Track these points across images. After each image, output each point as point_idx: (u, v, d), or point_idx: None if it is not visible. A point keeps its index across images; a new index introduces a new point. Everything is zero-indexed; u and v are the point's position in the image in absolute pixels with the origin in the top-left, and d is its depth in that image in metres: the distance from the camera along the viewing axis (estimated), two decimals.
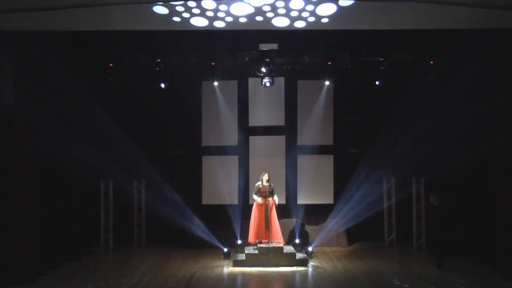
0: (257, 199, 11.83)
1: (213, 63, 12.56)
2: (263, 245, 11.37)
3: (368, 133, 13.71)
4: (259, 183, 11.89)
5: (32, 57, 9.84)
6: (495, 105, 10.11)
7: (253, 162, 13.91)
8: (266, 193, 11.80)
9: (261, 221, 11.77)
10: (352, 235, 13.88)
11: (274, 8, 9.08)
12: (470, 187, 11.62)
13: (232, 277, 10.37)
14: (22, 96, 9.71)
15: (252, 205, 12.16)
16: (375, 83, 12.87)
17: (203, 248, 12.86)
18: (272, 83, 12.41)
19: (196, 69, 12.89)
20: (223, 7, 9.05)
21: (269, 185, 11.86)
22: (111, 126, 12.53)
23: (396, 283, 9.65)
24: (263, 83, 12.38)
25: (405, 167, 13.18)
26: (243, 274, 10.54)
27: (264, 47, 11.57)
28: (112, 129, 12.57)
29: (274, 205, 11.95)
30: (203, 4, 8.99)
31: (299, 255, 11.36)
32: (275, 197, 11.96)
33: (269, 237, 11.58)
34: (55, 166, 10.74)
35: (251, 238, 11.86)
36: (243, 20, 9.40)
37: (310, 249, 12.18)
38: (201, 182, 13.98)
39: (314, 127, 13.79)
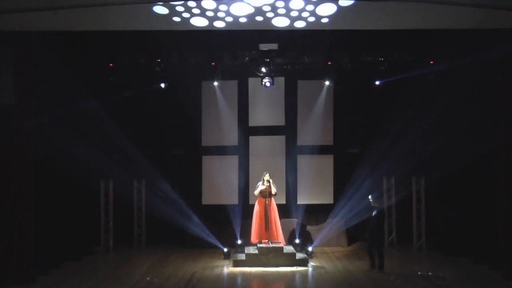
0: (260, 187, 11.79)
1: (213, 63, 12.54)
2: (263, 245, 11.36)
3: (368, 133, 13.71)
4: (260, 183, 11.89)
5: (32, 57, 9.84)
6: (495, 105, 10.11)
7: (253, 162, 13.90)
8: (267, 193, 11.79)
9: (261, 221, 11.76)
10: (352, 235, 13.87)
11: (274, 8, 9.08)
12: (470, 187, 11.62)
13: (232, 277, 10.38)
14: (22, 96, 9.70)
15: (253, 205, 12.15)
16: (375, 83, 12.87)
17: (203, 248, 12.86)
18: (272, 83, 12.42)
19: (196, 69, 12.88)
20: (223, 7, 9.05)
21: (270, 185, 11.83)
22: (111, 126, 12.53)
23: (396, 283, 9.65)
24: (263, 83, 12.39)
25: (405, 167, 13.18)
26: (243, 274, 10.54)
27: (264, 47, 11.58)
28: (112, 129, 12.56)
29: (275, 205, 11.94)
30: (203, 4, 8.99)
31: (299, 255, 11.36)
32: (273, 188, 11.90)
33: (268, 237, 11.57)
34: (55, 166, 10.73)
35: (252, 237, 11.85)
36: (243, 20, 9.39)
37: (310, 249, 12.18)
38: (201, 182, 13.98)
39: (314, 127, 13.78)
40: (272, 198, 11.92)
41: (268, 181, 11.80)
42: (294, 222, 13.44)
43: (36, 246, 9.82)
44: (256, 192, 11.88)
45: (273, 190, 11.85)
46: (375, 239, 10.50)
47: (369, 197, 10.69)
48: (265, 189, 11.79)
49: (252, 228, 11.92)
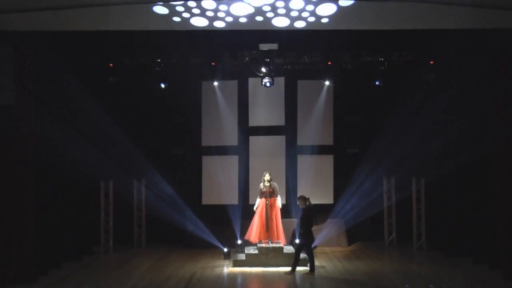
0: (258, 201, 11.79)
1: (213, 63, 12.54)
2: (263, 245, 11.37)
3: (368, 133, 13.71)
4: (261, 184, 11.87)
5: (32, 57, 9.84)
6: (495, 105, 10.11)
7: (253, 162, 13.91)
8: (267, 193, 11.78)
9: (262, 221, 11.74)
10: (352, 235, 13.87)
11: (274, 8, 9.09)
12: (470, 187, 11.62)
13: (232, 277, 10.38)
14: (22, 96, 9.71)
15: (253, 205, 12.15)
16: (375, 83, 12.87)
17: (203, 248, 12.86)
18: (272, 83, 12.42)
19: (196, 69, 12.88)
20: (223, 7, 9.06)
21: (270, 185, 11.82)
22: (111, 126, 12.52)
23: (396, 283, 9.64)
24: (263, 83, 12.39)
25: (405, 167, 13.17)
26: (243, 274, 10.55)
27: (264, 47, 11.58)
28: (112, 129, 12.56)
29: (277, 205, 11.89)
30: (203, 4, 9.00)
31: None
32: (278, 200, 11.91)
33: (269, 237, 11.57)
34: (55, 166, 10.73)
35: (252, 237, 11.79)
36: (243, 20, 9.41)
37: None
38: (201, 182, 13.99)
39: (314, 127, 13.79)
40: (275, 198, 11.89)
41: (269, 181, 11.75)
42: (294, 222, 13.43)
43: (36, 246, 9.82)
44: (258, 200, 11.86)
45: (278, 201, 11.81)
46: (303, 240, 10.46)
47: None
48: (266, 190, 11.76)
49: (250, 226, 11.89)
